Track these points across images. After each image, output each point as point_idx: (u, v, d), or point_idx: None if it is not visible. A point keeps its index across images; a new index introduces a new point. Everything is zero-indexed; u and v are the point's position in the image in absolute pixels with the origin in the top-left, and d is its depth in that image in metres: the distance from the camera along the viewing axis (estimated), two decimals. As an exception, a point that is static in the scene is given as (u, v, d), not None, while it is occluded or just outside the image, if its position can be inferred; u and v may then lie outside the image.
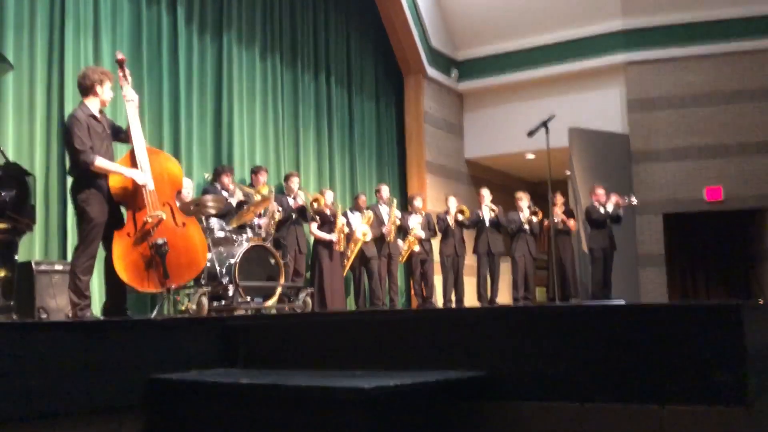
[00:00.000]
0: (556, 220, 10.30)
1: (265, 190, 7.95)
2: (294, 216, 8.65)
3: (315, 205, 8.89)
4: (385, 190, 10.31)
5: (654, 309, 2.96)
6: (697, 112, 11.84)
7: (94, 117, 5.03)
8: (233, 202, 7.69)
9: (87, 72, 5.16)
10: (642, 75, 12.08)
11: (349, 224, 9.63)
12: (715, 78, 11.80)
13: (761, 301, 9.86)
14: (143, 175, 5.07)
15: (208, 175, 8.11)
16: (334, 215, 9.11)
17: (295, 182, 8.78)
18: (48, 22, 7.14)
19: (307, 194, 9.05)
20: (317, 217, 8.97)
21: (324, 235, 9.03)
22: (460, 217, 10.41)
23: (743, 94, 11.68)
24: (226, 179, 7.85)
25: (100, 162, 4.91)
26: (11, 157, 6.14)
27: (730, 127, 11.68)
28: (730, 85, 11.73)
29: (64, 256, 6.79)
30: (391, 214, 9.98)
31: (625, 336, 2.79)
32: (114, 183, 5.00)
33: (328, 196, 9.17)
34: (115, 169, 5.01)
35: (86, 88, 5.08)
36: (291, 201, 8.63)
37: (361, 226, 9.49)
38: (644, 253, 11.75)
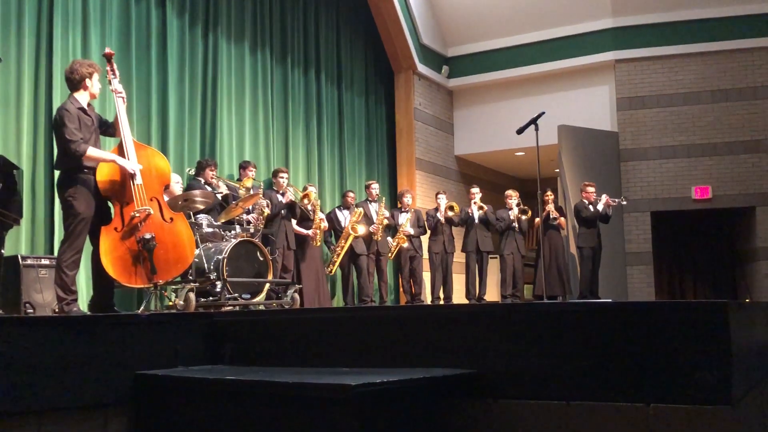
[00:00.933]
0: (552, 216, 10.31)
1: (248, 183, 7.89)
2: (284, 212, 8.62)
3: (306, 201, 8.84)
4: (375, 188, 10.27)
5: (640, 308, 2.97)
6: (686, 111, 11.90)
7: (83, 110, 5.00)
8: (218, 196, 7.64)
9: (75, 66, 5.11)
10: (631, 73, 12.12)
11: (337, 221, 9.61)
12: (703, 77, 11.85)
13: (747, 301, 9.91)
14: (133, 163, 5.04)
15: (190, 170, 8.05)
16: (315, 210, 9.06)
17: (283, 178, 8.74)
18: (36, 15, 7.08)
19: (296, 190, 9.02)
20: (311, 213, 8.92)
21: (302, 230, 9.00)
22: (450, 214, 10.40)
23: (731, 93, 11.74)
24: (209, 173, 7.78)
25: (92, 151, 4.88)
26: (-2, 151, 6.10)
27: (718, 125, 11.74)
28: (718, 84, 11.79)
29: (50, 250, 6.75)
30: (379, 212, 9.96)
31: (612, 335, 2.80)
32: (101, 177, 4.96)
33: (312, 192, 9.09)
34: (106, 156, 4.98)
35: (75, 83, 5.04)
36: (281, 197, 8.59)
37: (351, 224, 9.45)
38: (632, 251, 11.81)
